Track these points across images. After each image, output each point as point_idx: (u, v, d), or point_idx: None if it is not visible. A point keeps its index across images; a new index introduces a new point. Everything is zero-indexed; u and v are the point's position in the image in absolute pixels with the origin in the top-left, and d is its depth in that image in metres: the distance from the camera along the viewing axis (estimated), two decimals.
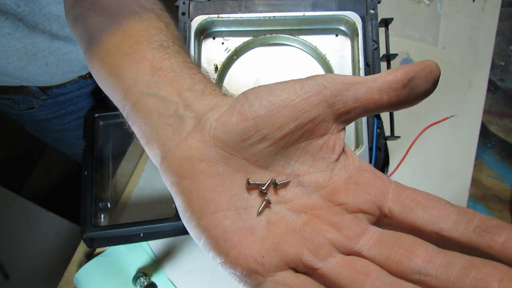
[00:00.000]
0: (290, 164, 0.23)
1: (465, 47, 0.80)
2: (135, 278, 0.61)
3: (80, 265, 0.63)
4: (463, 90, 0.77)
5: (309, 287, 0.20)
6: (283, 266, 0.20)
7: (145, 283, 0.59)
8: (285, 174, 0.23)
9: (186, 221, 0.22)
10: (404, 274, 0.19)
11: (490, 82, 0.77)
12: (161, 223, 0.59)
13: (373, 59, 0.46)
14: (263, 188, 0.23)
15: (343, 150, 0.24)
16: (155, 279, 0.61)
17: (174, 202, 0.63)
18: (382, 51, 0.48)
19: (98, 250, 0.63)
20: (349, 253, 0.21)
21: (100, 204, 0.64)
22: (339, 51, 0.46)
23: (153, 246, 0.64)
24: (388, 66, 0.48)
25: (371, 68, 0.46)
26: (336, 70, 0.45)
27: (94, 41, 0.30)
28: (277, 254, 0.20)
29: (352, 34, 0.46)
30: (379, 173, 0.23)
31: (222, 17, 0.44)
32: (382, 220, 0.22)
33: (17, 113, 0.72)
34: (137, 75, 0.27)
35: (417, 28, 0.81)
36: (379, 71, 0.46)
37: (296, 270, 0.21)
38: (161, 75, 0.26)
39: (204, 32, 0.46)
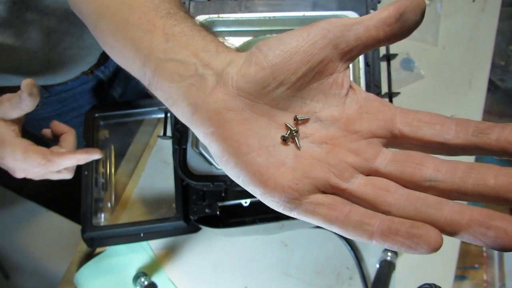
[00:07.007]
0: (306, 104, 0.26)
1: (465, 47, 0.80)
2: (135, 278, 0.61)
3: (80, 265, 0.63)
4: (463, 90, 0.77)
5: (338, 203, 0.23)
6: (314, 190, 0.24)
7: (145, 283, 0.59)
8: (303, 113, 0.27)
9: (224, 164, 0.25)
10: (417, 183, 0.23)
11: (490, 82, 0.77)
12: (161, 223, 0.59)
13: (373, 59, 0.46)
14: (293, 129, 0.26)
15: (350, 85, 0.27)
16: (155, 279, 0.61)
17: (174, 202, 0.62)
18: (382, 51, 0.48)
19: (98, 250, 0.64)
20: (369, 172, 0.25)
21: (100, 204, 0.64)
22: None
23: (153, 246, 0.64)
24: (388, 66, 0.48)
25: (371, 68, 0.46)
26: None
27: (102, 17, 0.32)
28: (308, 181, 0.24)
29: None
30: (385, 101, 0.27)
31: (222, 17, 0.44)
32: (393, 141, 0.25)
33: None
34: (152, 43, 0.28)
35: (417, 28, 0.81)
36: (379, 72, 0.46)
37: (325, 193, 0.24)
38: (175, 41, 0.28)
39: None
